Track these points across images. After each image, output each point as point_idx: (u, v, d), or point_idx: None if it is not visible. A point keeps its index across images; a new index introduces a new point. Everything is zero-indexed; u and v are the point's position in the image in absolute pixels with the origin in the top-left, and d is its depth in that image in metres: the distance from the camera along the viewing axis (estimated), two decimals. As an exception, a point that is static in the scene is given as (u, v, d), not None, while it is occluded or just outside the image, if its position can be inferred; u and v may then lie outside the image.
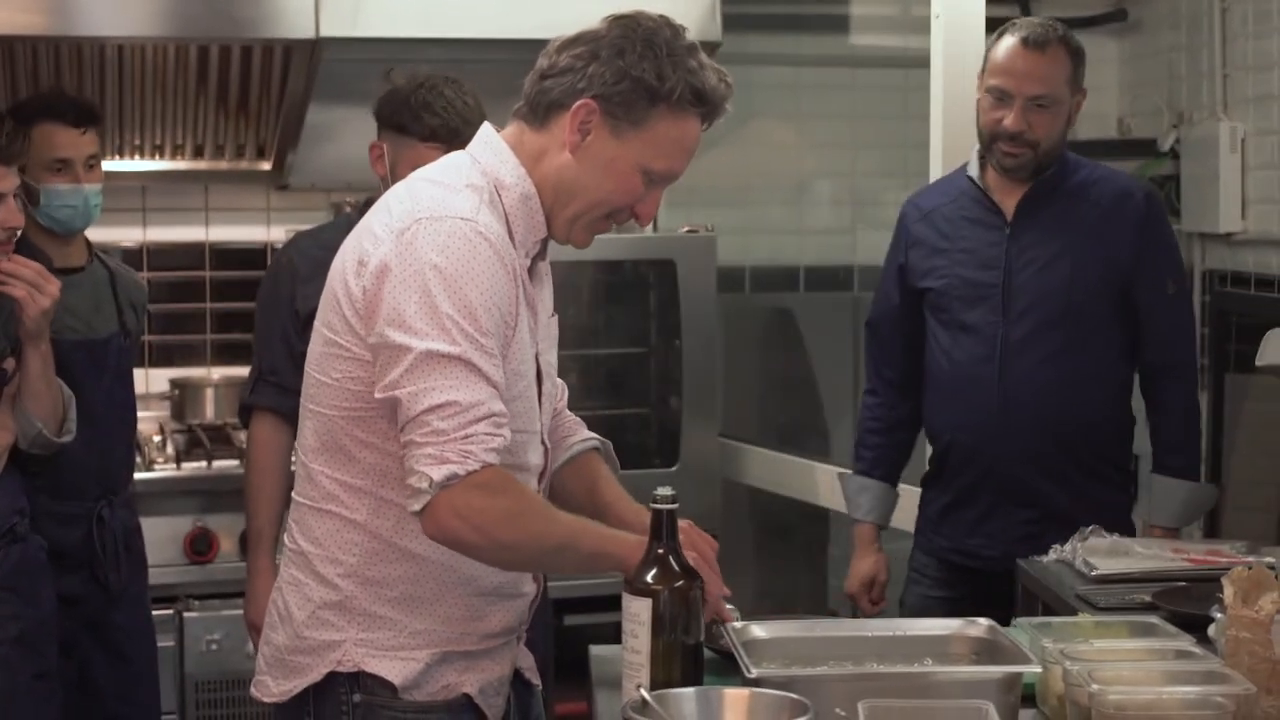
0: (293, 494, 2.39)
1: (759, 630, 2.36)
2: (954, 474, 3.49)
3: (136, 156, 4.57)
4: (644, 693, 2.07)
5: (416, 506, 2.15)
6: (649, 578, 2.17)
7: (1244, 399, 4.43)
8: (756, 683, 2.12)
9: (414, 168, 2.43)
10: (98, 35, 4.06)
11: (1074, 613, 2.76)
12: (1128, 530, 3.35)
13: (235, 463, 4.13)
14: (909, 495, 3.72)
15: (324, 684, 2.28)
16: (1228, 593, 2.22)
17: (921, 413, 3.60)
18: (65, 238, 3.56)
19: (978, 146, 3.48)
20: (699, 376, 4.53)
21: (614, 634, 2.27)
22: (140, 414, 3.81)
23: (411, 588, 2.28)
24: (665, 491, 2.20)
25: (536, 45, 2.34)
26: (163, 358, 4.87)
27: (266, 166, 4.69)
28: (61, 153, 3.49)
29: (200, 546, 4.12)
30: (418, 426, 2.15)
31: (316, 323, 2.33)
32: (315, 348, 2.32)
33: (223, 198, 4.90)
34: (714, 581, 2.33)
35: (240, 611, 3.55)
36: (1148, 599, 2.81)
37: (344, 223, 3.27)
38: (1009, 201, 3.44)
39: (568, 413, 2.62)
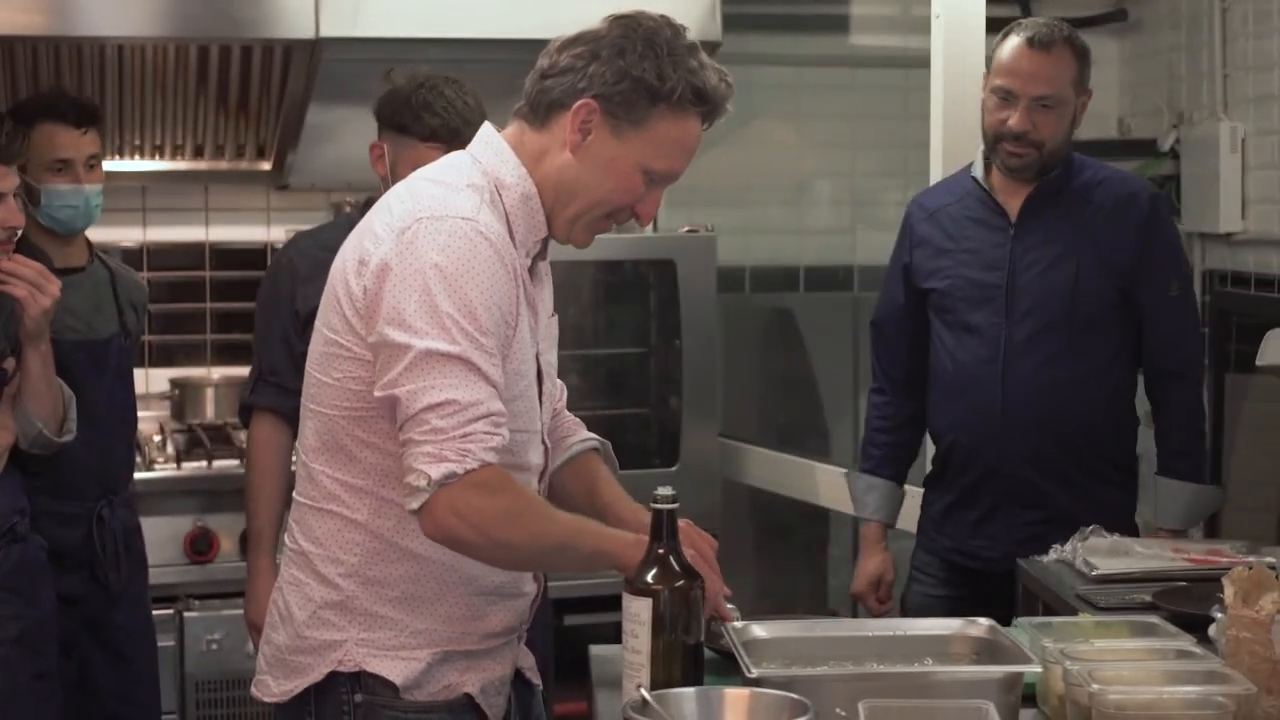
0: (294, 494, 2.39)
1: (759, 630, 2.36)
2: (956, 474, 3.49)
3: (136, 156, 4.58)
4: (644, 693, 2.07)
5: (414, 505, 2.15)
6: (649, 577, 2.17)
7: (1244, 399, 4.43)
8: (757, 683, 2.12)
9: (414, 168, 2.43)
10: (98, 35, 4.07)
11: (1074, 613, 2.76)
12: (1130, 532, 3.34)
13: (235, 463, 4.13)
14: (911, 495, 3.72)
15: (325, 684, 2.28)
16: (1228, 593, 2.22)
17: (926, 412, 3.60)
18: (66, 238, 3.56)
19: (983, 147, 3.47)
20: (699, 376, 4.53)
21: (614, 634, 2.27)
22: (140, 414, 3.81)
23: (412, 587, 2.28)
24: (665, 491, 2.20)
25: (536, 45, 2.34)
26: (163, 358, 4.87)
27: (266, 166, 4.69)
28: (62, 153, 3.50)
29: (200, 546, 4.12)
30: (416, 424, 2.15)
31: (317, 323, 2.33)
32: (316, 347, 2.32)
33: (223, 198, 4.90)
34: (714, 581, 2.34)
35: (240, 611, 3.55)
36: (1148, 599, 2.81)
37: (344, 223, 3.27)
38: (1013, 202, 3.44)
39: (567, 413, 2.62)
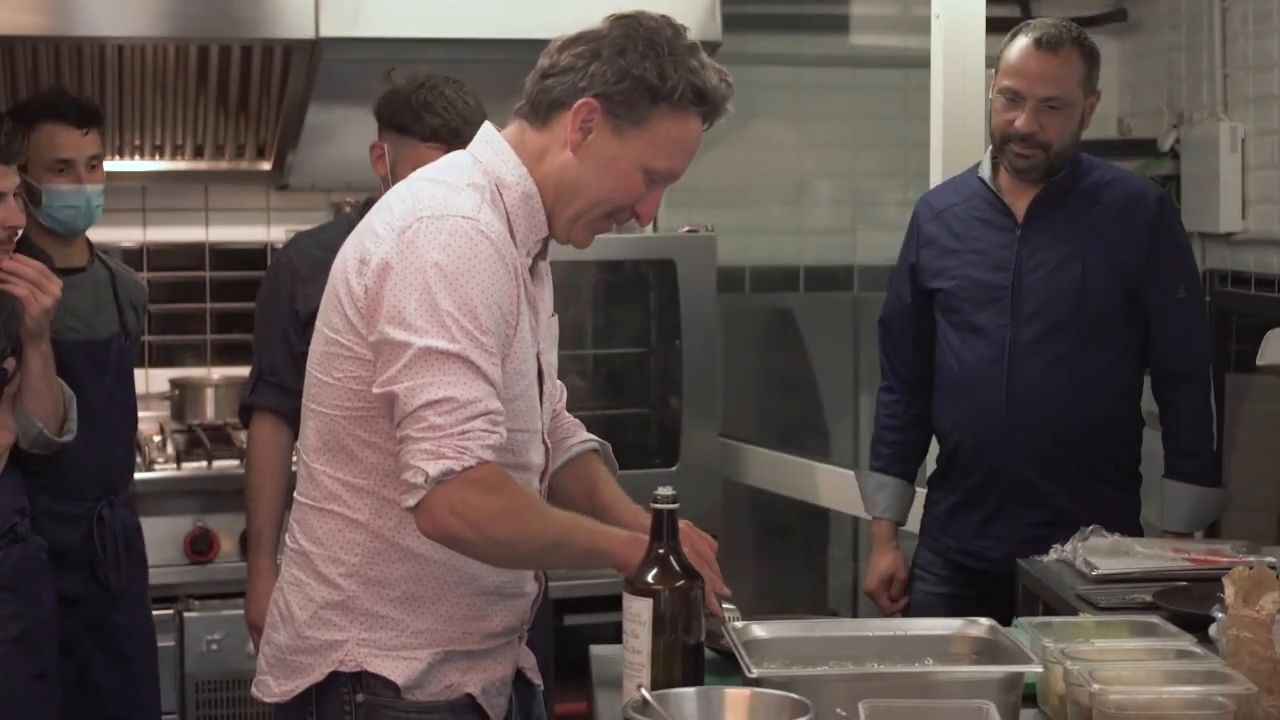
0: (295, 494, 2.39)
1: (759, 630, 2.36)
2: (961, 475, 3.49)
3: (136, 156, 4.58)
4: (645, 693, 2.07)
5: (411, 502, 2.15)
6: (650, 578, 2.17)
7: (1244, 399, 4.43)
8: (757, 683, 2.12)
9: (414, 168, 2.43)
10: (98, 35, 4.06)
11: (1075, 612, 2.76)
12: (1135, 534, 3.33)
13: (235, 463, 4.13)
14: (916, 495, 3.71)
15: (326, 684, 2.28)
16: (1229, 592, 2.22)
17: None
18: (67, 238, 3.56)
19: (990, 147, 3.47)
20: (699, 376, 4.53)
21: (614, 634, 2.27)
22: (140, 414, 3.81)
23: (413, 587, 2.28)
24: (666, 491, 2.21)
25: (536, 45, 2.34)
26: (163, 358, 4.87)
27: (266, 166, 4.69)
28: (64, 153, 3.50)
29: (200, 546, 4.12)
30: (414, 421, 2.15)
31: (318, 322, 2.33)
32: (317, 347, 2.32)
33: (223, 198, 4.90)
34: (714, 581, 2.34)
35: (240, 611, 3.54)
36: (1148, 599, 2.81)
37: (344, 223, 3.27)
38: (1020, 203, 3.43)
39: (566, 414, 2.62)
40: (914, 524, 3.70)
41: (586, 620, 4.13)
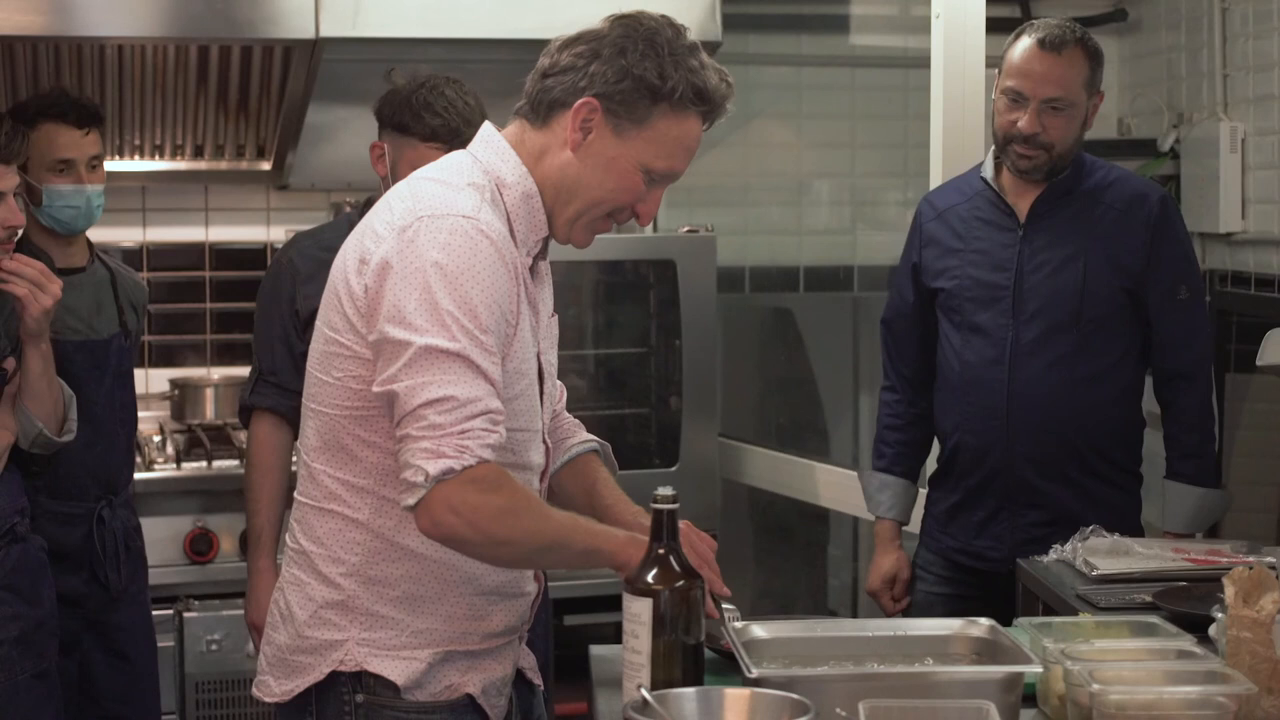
0: (295, 493, 2.39)
1: (759, 630, 2.36)
2: (962, 474, 3.49)
3: (136, 156, 4.58)
4: (645, 693, 2.07)
5: (411, 501, 2.15)
6: (650, 578, 2.17)
7: (1244, 399, 4.43)
8: (757, 683, 2.12)
9: (415, 168, 2.44)
10: (98, 35, 4.07)
11: (1075, 613, 2.76)
12: (1136, 534, 3.32)
13: (235, 463, 4.14)
14: (918, 495, 3.71)
15: (326, 684, 2.28)
16: (1229, 592, 2.22)
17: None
18: (67, 238, 3.56)
19: (993, 147, 3.47)
20: (699, 376, 4.53)
21: (614, 634, 2.27)
22: (140, 414, 3.81)
23: (413, 587, 2.28)
24: (666, 491, 2.20)
25: (536, 45, 2.34)
26: (163, 358, 4.87)
27: (266, 166, 4.69)
28: (64, 153, 3.50)
29: (200, 546, 4.12)
30: (414, 420, 2.15)
31: (318, 322, 2.33)
32: (317, 347, 2.32)
33: (223, 198, 4.90)
34: (714, 582, 2.34)
35: (240, 611, 3.55)
36: (1148, 599, 2.81)
37: (344, 223, 3.28)
38: (1023, 203, 3.43)
39: (566, 414, 2.62)
40: (915, 524, 3.70)
41: (586, 620, 4.13)
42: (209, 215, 4.91)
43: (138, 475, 3.85)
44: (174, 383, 4.77)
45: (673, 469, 4.46)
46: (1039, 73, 3.32)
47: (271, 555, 3.39)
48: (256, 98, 4.39)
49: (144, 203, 4.84)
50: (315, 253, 3.31)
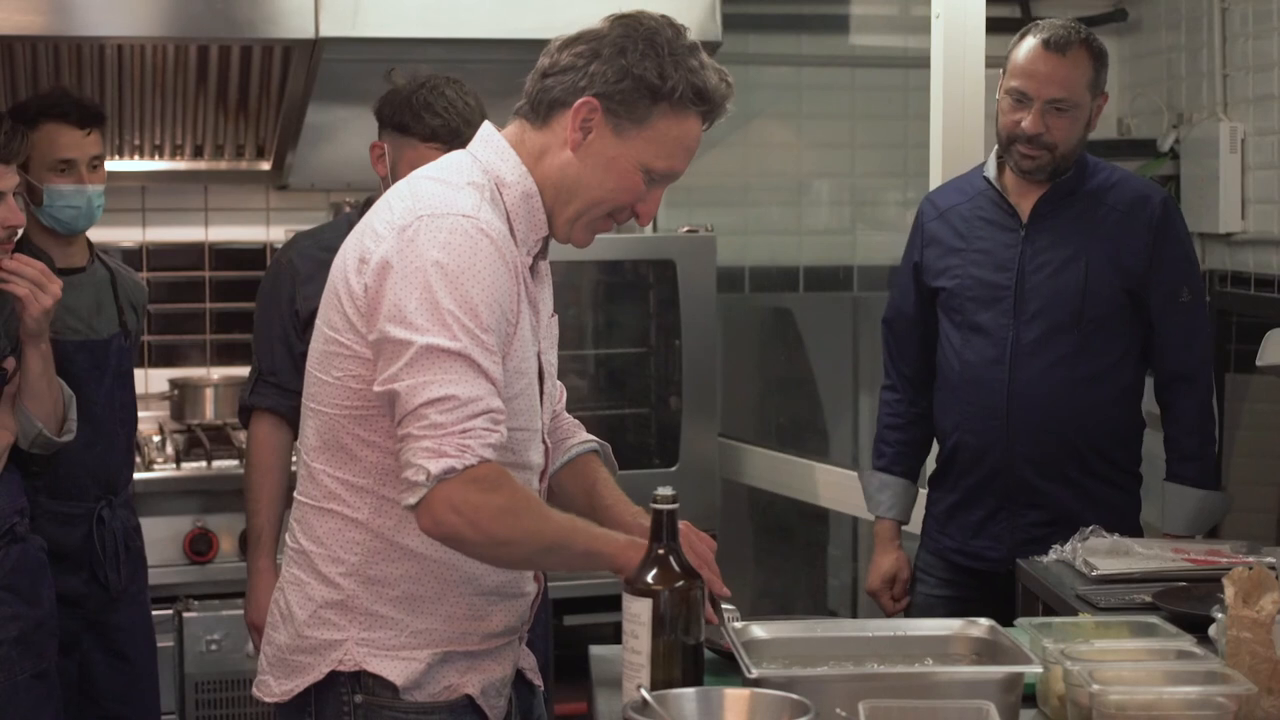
0: (295, 493, 2.39)
1: (759, 630, 2.36)
2: (961, 474, 3.49)
3: (136, 156, 4.58)
4: (644, 693, 2.07)
5: (412, 500, 2.15)
6: (649, 578, 2.17)
7: (1244, 399, 4.43)
8: (757, 683, 2.12)
9: (414, 168, 2.43)
10: (98, 35, 4.07)
11: (1074, 613, 2.76)
12: (1135, 535, 3.32)
13: (235, 463, 4.14)
14: (918, 496, 3.71)
15: (325, 683, 2.28)
16: (1228, 593, 2.22)
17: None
18: (67, 238, 3.56)
19: (996, 147, 3.47)
20: (699, 376, 4.53)
21: (614, 634, 2.27)
22: (140, 414, 3.80)
23: (413, 587, 2.28)
24: (666, 491, 2.20)
25: (536, 45, 2.34)
26: (163, 358, 4.88)
27: (266, 166, 4.69)
28: (65, 153, 3.50)
29: (200, 546, 4.12)
30: (415, 419, 2.15)
31: (318, 321, 2.33)
32: (317, 346, 2.32)
33: (222, 198, 4.91)
34: (714, 582, 2.34)
35: (240, 611, 3.54)
36: (1148, 599, 2.81)
37: (344, 223, 3.27)
38: (1025, 203, 3.43)
39: (566, 415, 2.62)
40: (915, 525, 3.70)
41: (586, 620, 4.13)
42: (209, 215, 4.91)
43: (137, 475, 3.85)
44: (174, 383, 4.77)
45: (672, 469, 4.46)
46: (1043, 73, 3.32)
47: (271, 555, 3.39)
48: (256, 98, 4.40)
49: (144, 203, 4.84)
50: (315, 253, 3.30)
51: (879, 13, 5.40)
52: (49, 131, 3.48)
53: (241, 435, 3.79)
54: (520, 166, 2.30)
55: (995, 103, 3.45)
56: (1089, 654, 2.21)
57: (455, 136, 3.14)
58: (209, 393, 4.74)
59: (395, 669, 2.27)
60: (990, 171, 3.48)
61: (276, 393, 3.37)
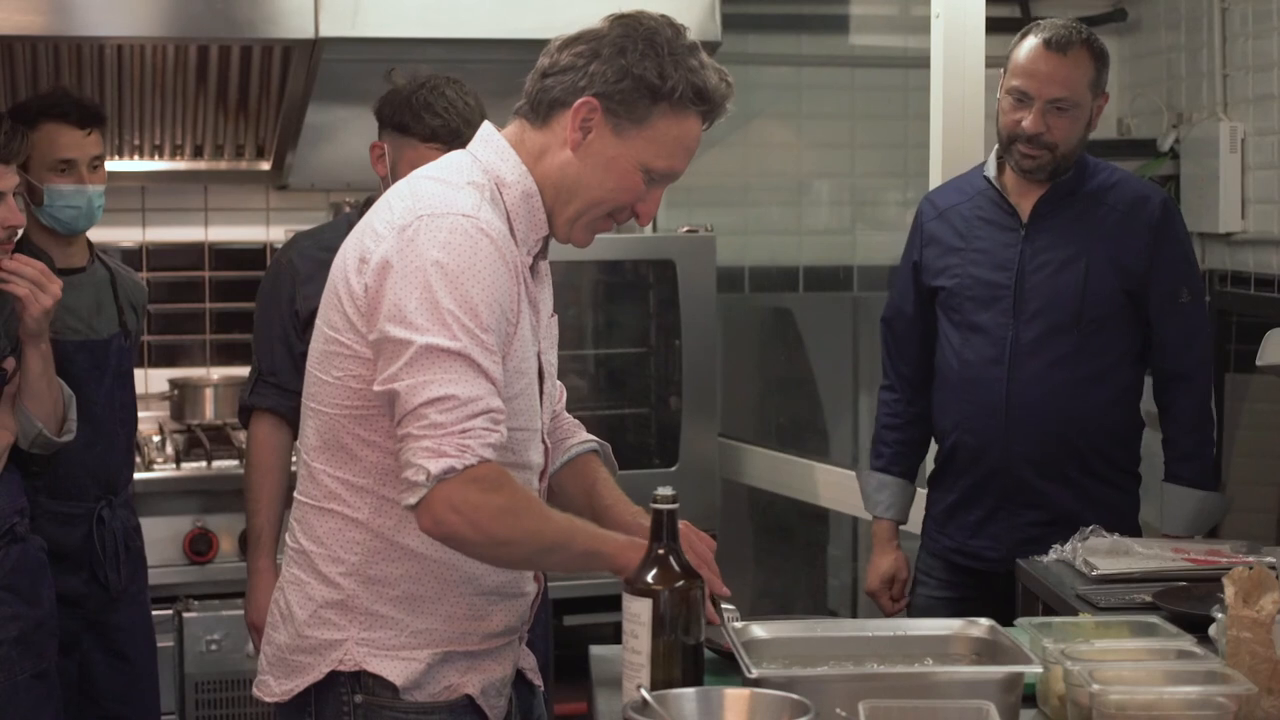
0: (295, 493, 2.39)
1: (759, 630, 2.36)
2: (959, 474, 3.49)
3: (136, 156, 4.58)
4: (644, 693, 2.07)
5: (412, 500, 2.15)
6: (649, 578, 2.17)
7: (1244, 399, 4.43)
8: (757, 683, 2.12)
9: (414, 168, 2.43)
10: (98, 35, 4.07)
11: (1074, 613, 2.76)
12: (1134, 535, 3.32)
13: (235, 463, 4.14)
14: (917, 498, 3.70)
15: (325, 683, 2.28)
16: (1229, 593, 2.22)
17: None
18: (67, 238, 3.56)
19: (996, 146, 3.47)
20: (699, 376, 4.53)
21: (614, 634, 2.27)
22: (140, 414, 3.80)
23: (413, 586, 2.28)
24: (665, 491, 2.20)
25: (536, 45, 2.34)
26: (162, 358, 4.87)
27: (266, 166, 4.69)
28: (66, 153, 3.50)
29: (200, 546, 4.12)
30: (415, 419, 2.15)
31: (318, 321, 2.33)
32: (317, 346, 2.32)
33: (222, 198, 4.91)
34: (714, 582, 2.34)
35: (240, 612, 3.54)
36: (1148, 599, 2.81)
37: (344, 223, 3.27)
38: (1025, 203, 3.43)
39: (566, 415, 2.62)
40: (914, 525, 3.70)
41: (586, 620, 4.13)
42: (208, 215, 4.91)
43: (137, 475, 3.84)
44: (173, 383, 4.77)
45: (672, 469, 4.46)
46: (1044, 73, 3.32)
47: (271, 555, 3.39)
48: (256, 98, 4.39)
49: (143, 203, 4.84)
50: (315, 253, 3.31)
51: (879, 13, 5.40)
52: (49, 131, 3.48)
53: (241, 435, 3.79)
54: (520, 166, 2.30)
55: (995, 103, 3.45)
56: (1089, 654, 2.21)
57: (455, 136, 3.14)
58: (209, 393, 4.74)
59: (395, 669, 2.27)
60: (990, 171, 3.48)
61: (276, 393, 3.37)
